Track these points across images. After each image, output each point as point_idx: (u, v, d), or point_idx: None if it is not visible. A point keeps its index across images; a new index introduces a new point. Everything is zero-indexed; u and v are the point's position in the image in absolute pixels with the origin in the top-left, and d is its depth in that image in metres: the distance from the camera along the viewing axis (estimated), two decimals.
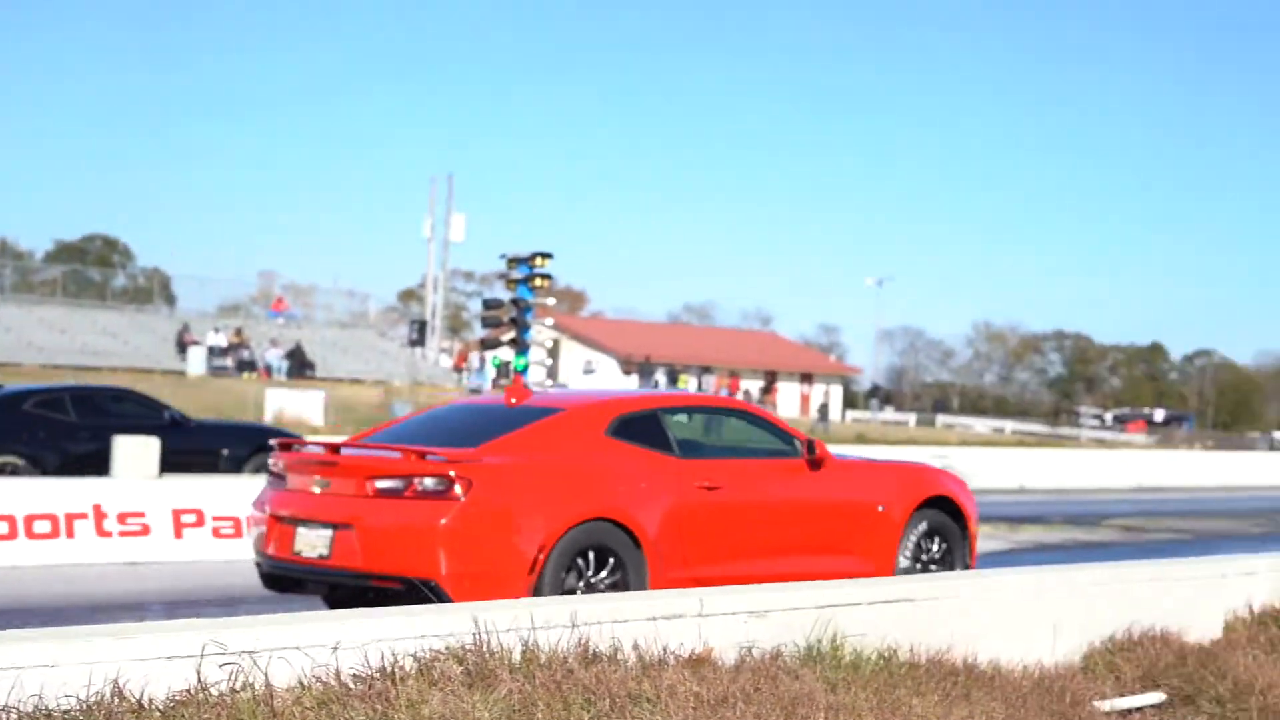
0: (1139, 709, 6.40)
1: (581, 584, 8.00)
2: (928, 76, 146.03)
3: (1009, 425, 78.11)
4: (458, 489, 7.77)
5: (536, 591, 7.72)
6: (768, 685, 5.20)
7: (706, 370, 65.43)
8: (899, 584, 6.59)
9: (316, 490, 8.23)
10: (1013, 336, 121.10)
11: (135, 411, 16.51)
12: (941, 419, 79.93)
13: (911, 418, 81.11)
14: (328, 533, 7.97)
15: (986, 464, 30.60)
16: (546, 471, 8.22)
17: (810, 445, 9.37)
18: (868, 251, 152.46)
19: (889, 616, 6.23)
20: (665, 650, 5.32)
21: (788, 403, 67.70)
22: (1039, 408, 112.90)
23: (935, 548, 9.57)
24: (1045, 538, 17.47)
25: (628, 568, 8.15)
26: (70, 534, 11.95)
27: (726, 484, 8.78)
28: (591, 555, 8.07)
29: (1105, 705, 6.28)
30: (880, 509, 9.35)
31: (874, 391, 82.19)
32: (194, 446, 16.15)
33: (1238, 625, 7.54)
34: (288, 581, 8.66)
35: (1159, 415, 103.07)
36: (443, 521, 7.72)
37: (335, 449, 8.57)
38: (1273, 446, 72.90)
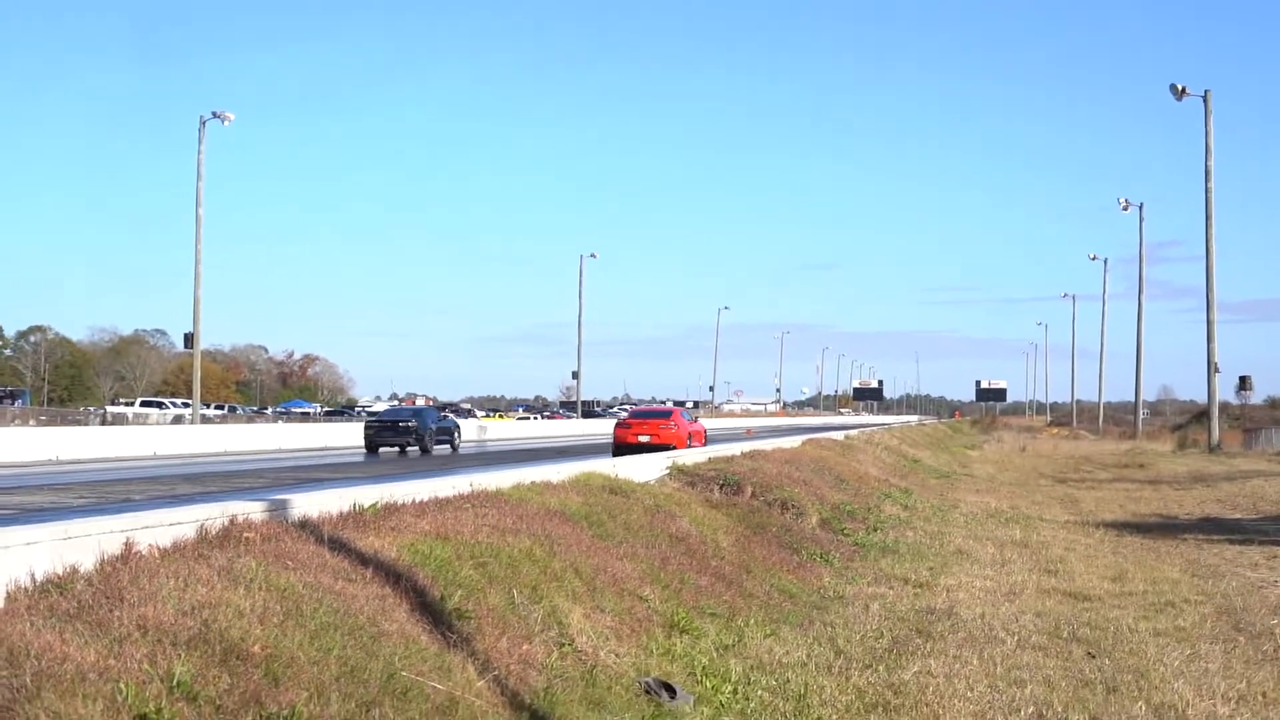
0: None
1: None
2: None
3: None
4: (674, 426, 39.07)
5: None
6: None
7: None
8: None
9: (644, 425, 39.27)
10: None
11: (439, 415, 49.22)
12: None
13: None
14: (649, 435, 37.74)
15: None
16: (680, 419, 41.10)
17: (685, 411, 56.68)
18: None
19: None
20: None
21: None
22: None
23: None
24: None
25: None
26: None
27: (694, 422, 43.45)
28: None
29: None
30: (695, 428, 41.30)
31: None
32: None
33: (20, 595, 7.65)
34: (630, 449, 34.03)
35: None
36: (674, 430, 38.50)
37: (647, 418, 41.15)
38: (105, 420, 74.61)
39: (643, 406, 62.81)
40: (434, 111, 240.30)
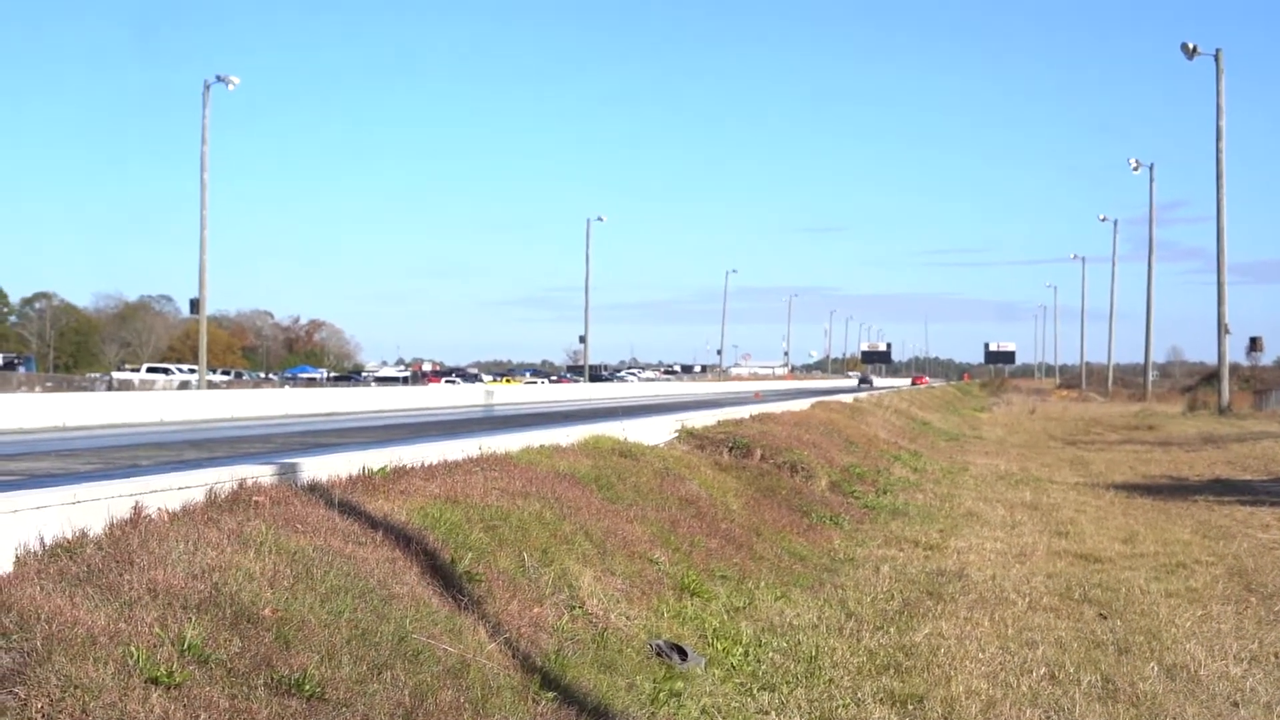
0: None
1: None
2: None
3: None
4: (927, 378, 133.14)
5: None
6: None
7: None
8: None
9: (920, 379, 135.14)
10: None
11: None
12: None
13: None
14: (923, 382, 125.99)
15: None
16: (926, 378, 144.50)
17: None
18: None
19: None
20: None
21: None
22: None
23: None
24: None
25: None
26: None
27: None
28: None
29: None
30: (925, 379, 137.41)
31: None
32: None
33: (29, 559, 7.61)
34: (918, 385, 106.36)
35: None
36: (927, 379, 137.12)
37: (921, 375, 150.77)
38: (111, 386, 74.68)
39: (918, 373, 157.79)
40: (440, 76, 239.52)
